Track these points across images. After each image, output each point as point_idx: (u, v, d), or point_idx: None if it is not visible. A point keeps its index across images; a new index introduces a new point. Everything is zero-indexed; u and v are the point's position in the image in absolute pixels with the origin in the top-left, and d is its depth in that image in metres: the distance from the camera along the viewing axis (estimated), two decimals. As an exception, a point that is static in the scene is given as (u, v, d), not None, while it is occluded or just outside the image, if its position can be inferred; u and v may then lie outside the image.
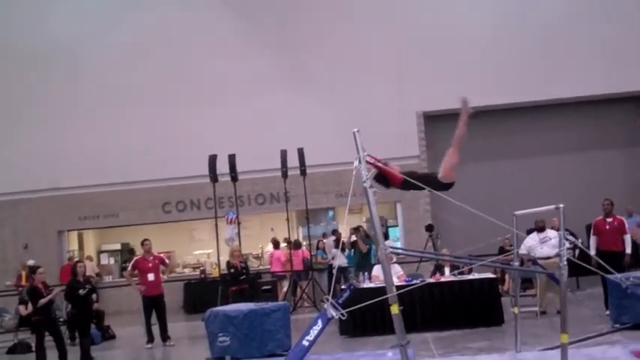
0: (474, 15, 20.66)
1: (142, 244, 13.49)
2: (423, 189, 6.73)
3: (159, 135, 20.43)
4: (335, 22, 20.71)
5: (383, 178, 6.85)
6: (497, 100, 20.11)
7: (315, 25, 20.76)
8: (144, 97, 20.77)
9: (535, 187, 19.13)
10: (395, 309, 6.30)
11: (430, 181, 6.85)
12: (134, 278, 13.28)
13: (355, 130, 6.54)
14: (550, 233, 12.88)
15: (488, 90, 19.86)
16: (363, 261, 15.18)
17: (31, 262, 17.37)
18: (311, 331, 5.75)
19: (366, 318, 11.39)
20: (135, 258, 14.05)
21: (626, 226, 12.64)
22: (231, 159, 16.80)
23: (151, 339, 12.91)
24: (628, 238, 12.49)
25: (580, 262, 7.94)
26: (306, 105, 19.94)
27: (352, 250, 18.36)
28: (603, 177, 20.23)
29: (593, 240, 12.80)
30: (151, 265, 13.00)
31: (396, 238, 20.98)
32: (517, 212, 8.32)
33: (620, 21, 20.02)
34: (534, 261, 11.00)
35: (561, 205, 6.71)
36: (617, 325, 10.55)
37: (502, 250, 14.79)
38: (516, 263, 8.64)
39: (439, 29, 20.46)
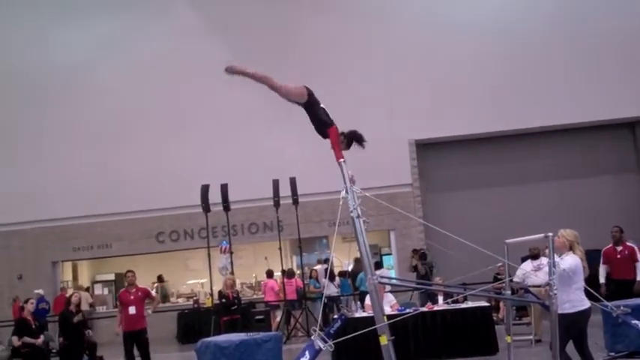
0: (464, 43, 20.80)
1: (125, 275, 12.62)
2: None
3: (152, 166, 20.46)
4: (325, 53, 20.86)
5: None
6: (489, 128, 20.21)
7: (306, 56, 20.87)
8: (137, 129, 20.87)
9: (529, 214, 19.13)
10: (384, 340, 6.26)
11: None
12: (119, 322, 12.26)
13: (341, 160, 6.56)
14: (544, 260, 12.81)
15: (478, 118, 19.99)
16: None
17: (41, 292, 17.32)
18: (299, 363, 5.71)
19: (359, 348, 11.26)
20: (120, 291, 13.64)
21: (638, 253, 12.51)
22: (224, 189, 16.83)
23: None
24: (639, 265, 12.42)
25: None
26: (297, 134, 19.84)
27: (349, 278, 18.40)
28: (595, 204, 20.26)
29: (602, 269, 12.75)
30: (132, 297, 12.02)
31: (391, 266, 20.91)
32: (508, 240, 8.32)
33: (611, 47, 20.18)
34: (527, 289, 10.95)
35: (550, 234, 6.69)
36: (613, 354, 10.48)
37: (497, 279, 14.72)
38: (508, 292, 8.59)
39: (430, 58, 20.60)
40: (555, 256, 7.08)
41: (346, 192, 6.55)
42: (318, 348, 5.70)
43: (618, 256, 12.59)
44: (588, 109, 19.98)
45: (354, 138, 6.98)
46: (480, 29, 20.78)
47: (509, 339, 8.67)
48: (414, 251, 16.78)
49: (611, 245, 12.91)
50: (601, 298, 6.77)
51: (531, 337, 12.45)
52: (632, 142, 21.34)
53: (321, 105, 7.00)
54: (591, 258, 20.00)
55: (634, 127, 21.19)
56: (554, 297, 6.47)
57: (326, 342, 5.73)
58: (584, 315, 7.09)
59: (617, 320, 8.66)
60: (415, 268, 16.54)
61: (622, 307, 7.09)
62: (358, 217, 6.54)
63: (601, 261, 12.98)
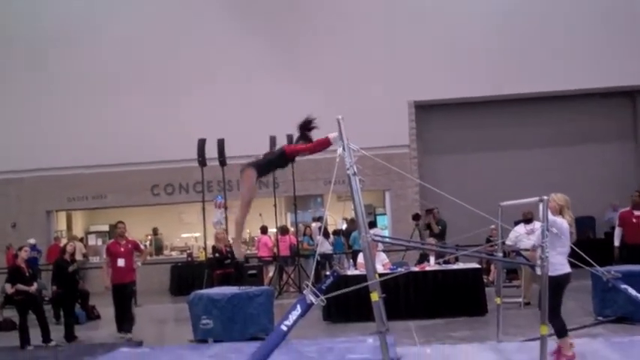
0: (464, 5, 20.63)
1: (116, 226, 12.51)
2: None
3: (149, 119, 20.37)
4: (324, 13, 20.68)
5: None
6: (487, 92, 20.13)
7: (305, 14, 20.73)
8: (135, 82, 20.73)
9: (524, 179, 19.12)
10: (375, 296, 6.34)
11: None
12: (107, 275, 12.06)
13: (339, 117, 6.53)
14: (538, 225, 12.87)
15: (478, 81, 19.89)
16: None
17: (32, 241, 17.39)
18: (290, 316, 5.75)
19: (349, 305, 11.39)
20: (107, 243, 13.61)
21: None
22: (220, 143, 16.79)
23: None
24: None
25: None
26: (295, 92, 19.89)
27: (343, 236, 18.50)
28: (590, 171, 20.36)
29: (618, 231, 12.74)
30: (123, 249, 11.89)
31: (384, 227, 21.01)
32: (502, 203, 8.39)
33: (612, 16, 20.01)
34: (518, 252, 11.05)
35: (545, 197, 6.73)
36: (601, 318, 10.61)
37: (489, 241, 14.85)
38: (500, 254, 8.68)
39: (431, 20, 20.43)
40: (559, 219, 7.12)
41: (343, 149, 6.52)
42: (309, 302, 5.75)
43: (634, 220, 12.56)
44: (588, 76, 19.85)
45: (303, 129, 6.93)
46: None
47: (498, 300, 8.82)
48: (428, 211, 16.85)
49: (629, 209, 12.87)
50: (592, 263, 6.81)
51: (521, 299, 12.56)
52: (630, 110, 21.30)
53: (260, 156, 7.13)
54: (583, 224, 20.36)
55: (633, 96, 21.13)
56: (546, 259, 6.54)
57: (318, 297, 5.77)
58: (564, 279, 7.17)
59: (607, 285, 8.76)
60: (428, 227, 16.60)
61: (612, 272, 7.15)
62: (354, 174, 6.53)
63: (616, 223, 12.97)
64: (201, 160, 16.63)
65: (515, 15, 20.25)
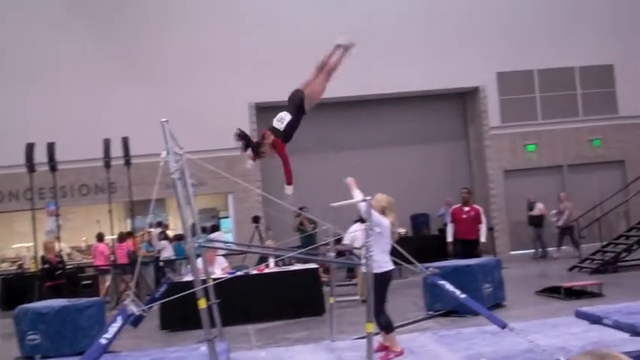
0: (309, 6, 20.93)
1: None
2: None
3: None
4: (168, 13, 20.27)
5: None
6: (332, 93, 20.39)
7: (147, 13, 20.20)
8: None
9: (366, 178, 19.53)
10: (202, 303, 6.24)
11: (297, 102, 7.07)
12: None
13: (163, 120, 6.39)
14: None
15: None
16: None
17: None
18: (109, 329, 5.55)
19: (187, 311, 11.13)
20: None
21: (482, 215, 13.14)
22: (50, 148, 15.94)
23: None
24: (483, 227, 13.07)
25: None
26: (131, 93, 19.34)
27: (182, 242, 18.07)
28: (427, 170, 21.28)
29: (450, 227, 13.34)
30: None
31: (228, 230, 20.86)
32: (333, 204, 8.55)
33: (435, 21, 21.03)
34: (351, 251, 11.30)
35: (368, 198, 6.90)
36: (431, 313, 11.06)
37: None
38: (332, 254, 8.83)
39: (272, 20, 20.53)
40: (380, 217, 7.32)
41: (167, 153, 6.36)
42: (130, 312, 5.55)
43: (464, 217, 13.19)
44: (424, 79, 20.74)
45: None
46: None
47: (331, 300, 9.01)
48: (299, 210, 16.75)
49: (459, 205, 13.53)
50: (412, 260, 7.07)
51: (358, 297, 12.85)
52: (461, 111, 22.50)
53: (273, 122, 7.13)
54: (419, 222, 21.08)
55: (464, 97, 22.34)
56: (370, 258, 6.70)
57: (139, 306, 5.58)
58: (388, 276, 7.41)
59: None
60: (301, 226, 16.45)
61: (431, 269, 7.46)
62: (179, 179, 6.40)
63: (448, 220, 13.56)
64: (30, 165, 15.71)
65: (357, 16, 20.72)
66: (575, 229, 18.03)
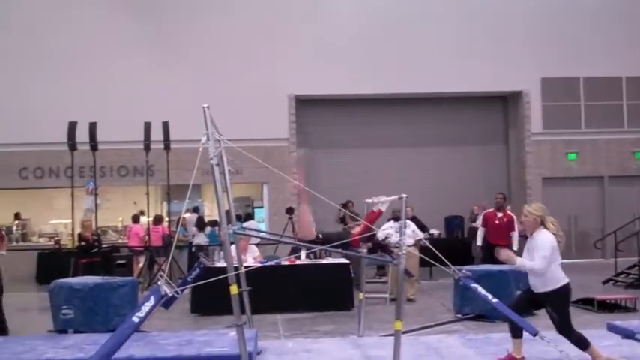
0: (354, 2, 20.93)
1: None
2: None
3: (18, 99, 19.36)
4: (213, 1, 20.44)
5: None
6: (366, 90, 20.47)
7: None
8: (3, 61, 19.65)
9: (399, 178, 19.59)
10: (234, 289, 6.30)
11: None
12: None
13: (205, 105, 6.42)
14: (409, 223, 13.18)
15: (358, 80, 20.19)
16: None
17: None
18: (142, 308, 5.61)
19: (218, 297, 11.23)
20: None
21: (516, 223, 12.80)
22: (92, 128, 16.17)
23: None
24: (515, 235, 12.82)
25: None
26: (173, 79, 19.54)
27: (216, 229, 18.26)
28: (461, 173, 21.13)
29: (481, 231, 13.22)
30: None
31: (262, 220, 20.99)
32: (368, 200, 8.56)
33: (479, 21, 20.85)
34: (384, 249, 11.28)
35: (404, 196, 6.88)
36: (459, 315, 11.00)
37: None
38: (364, 250, 8.84)
39: (312, 13, 20.57)
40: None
41: (207, 139, 6.41)
42: (163, 293, 5.61)
43: (496, 222, 13.05)
44: (465, 80, 20.60)
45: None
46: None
47: (361, 296, 9.02)
48: (344, 205, 16.75)
49: (492, 210, 13.39)
50: (446, 261, 7.03)
51: (387, 295, 12.84)
52: (502, 115, 22.27)
53: None
54: (454, 224, 20.97)
55: (506, 101, 22.11)
56: (403, 256, 6.68)
57: (172, 288, 5.64)
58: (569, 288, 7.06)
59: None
60: (343, 220, 16.48)
61: (464, 271, 7.40)
62: (217, 165, 6.45)
63: (480, 224, 13.42)
64: (72, 144, 15.96)
65: (398, 15, 20.66)
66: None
